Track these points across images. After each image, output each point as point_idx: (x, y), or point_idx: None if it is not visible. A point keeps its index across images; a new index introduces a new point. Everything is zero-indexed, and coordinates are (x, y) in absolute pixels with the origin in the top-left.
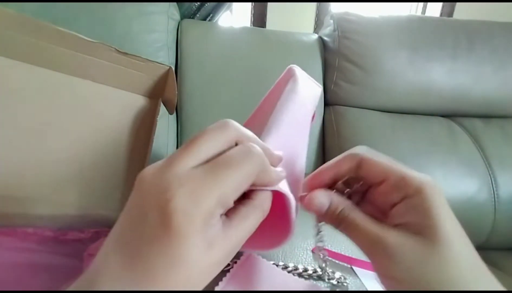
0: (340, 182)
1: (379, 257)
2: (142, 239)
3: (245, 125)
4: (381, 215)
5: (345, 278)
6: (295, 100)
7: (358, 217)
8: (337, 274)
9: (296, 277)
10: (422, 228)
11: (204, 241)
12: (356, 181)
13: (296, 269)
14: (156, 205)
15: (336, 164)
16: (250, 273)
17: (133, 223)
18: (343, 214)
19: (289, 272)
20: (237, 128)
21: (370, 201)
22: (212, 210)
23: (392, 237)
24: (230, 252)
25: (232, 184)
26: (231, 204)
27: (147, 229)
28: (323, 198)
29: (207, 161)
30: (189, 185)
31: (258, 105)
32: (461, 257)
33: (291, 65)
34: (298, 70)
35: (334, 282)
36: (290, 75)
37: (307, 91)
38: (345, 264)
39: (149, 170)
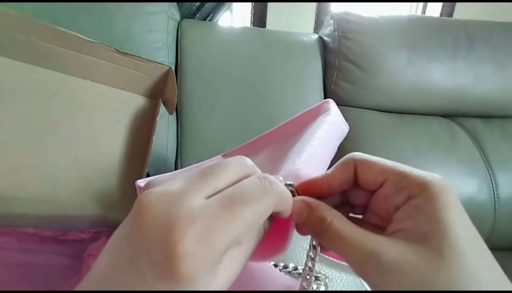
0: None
1: (373, 275)
2: (141, 281)
3: (255, 142)
4: (385, 225)
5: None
6: (329, 132)
7: (345, 226)
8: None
9: (294, 278)
10: (426, 234)
11: (209, 277)
12: (356, 196)
13: (296, 269)
14: (162, 244)
15: (331, 173)
16: (249, 273)
17: (131, 258)
18: (326, 223)
19: (289, 272)
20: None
21: (372, 211)
22: (223, 252)
23: (388, 249)
24: (234, 276)
25: (248, 223)
26: (243, 242)
27: (148, 270)
28: (300, 203)
29: (220, 190)
30: (202, 223)
31: (277, 126)
32: (477, 271)
33: (328, 100)
34: (333, 105)
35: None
36: (324, 108)
37: (338, 127)
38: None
39: (156, 194)
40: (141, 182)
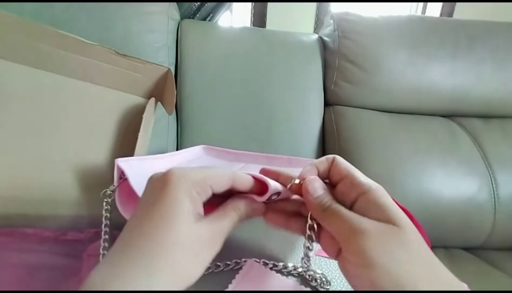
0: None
1: (357, 240)
2: (149, 205)
3: (238, 155)
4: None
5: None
6: None
7: (341, 207)
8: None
9: (294, 278)
10: (384, 219)
11: (191, 205)
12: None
13: (296, 269)
14: (160, 181)
15: (318, 161)
16: (254, 280)
17: (142, 205)
18: (328, 204)
19: (288, 272)
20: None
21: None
22: (195, 182)
23: (368, 223)
24: (213, 237)
25: (209, 176)
26: (208, 191)
27: (152, 197)
28: (318, 184)
29: None
30: (183, 170)
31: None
32: (417, 240)
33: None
34: None
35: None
36: None
37: None
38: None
39: (158, 172)
40: (120, 161)
